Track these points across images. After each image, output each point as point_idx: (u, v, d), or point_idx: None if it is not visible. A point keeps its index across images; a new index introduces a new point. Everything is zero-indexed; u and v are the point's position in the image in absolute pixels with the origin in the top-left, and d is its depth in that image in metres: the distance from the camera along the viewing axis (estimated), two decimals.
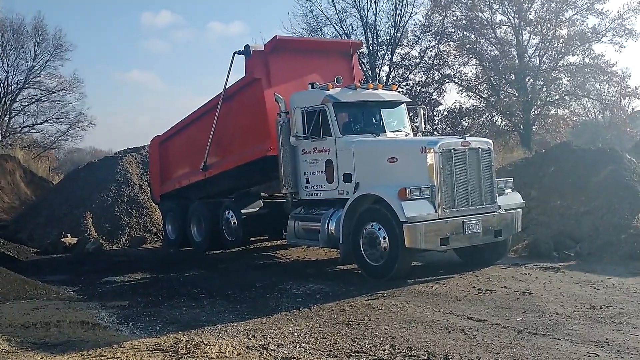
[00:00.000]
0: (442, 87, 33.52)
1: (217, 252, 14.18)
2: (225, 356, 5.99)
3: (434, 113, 32.34)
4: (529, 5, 30.82)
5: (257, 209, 13.51)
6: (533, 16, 30.82)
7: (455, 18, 31.96)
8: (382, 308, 7.71)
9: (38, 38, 39.06)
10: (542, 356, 5.69)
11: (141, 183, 19.33)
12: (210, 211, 14.16)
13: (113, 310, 8.48)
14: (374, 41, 31.97)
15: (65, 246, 16.12)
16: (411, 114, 12.22)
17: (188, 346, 6.27)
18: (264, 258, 13.36)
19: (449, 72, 32.96)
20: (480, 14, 31.50)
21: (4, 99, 38.34)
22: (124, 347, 6.31)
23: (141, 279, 11.42)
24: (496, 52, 31.75)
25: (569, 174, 13.79)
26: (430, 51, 32.40)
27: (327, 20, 31.77)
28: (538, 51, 31.17)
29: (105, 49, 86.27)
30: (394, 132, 11.05)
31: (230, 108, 12.97)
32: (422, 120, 12.15)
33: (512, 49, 31.69)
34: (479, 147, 9.86)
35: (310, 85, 11.63)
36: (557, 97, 31.54)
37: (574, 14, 30.69)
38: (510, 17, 31.25)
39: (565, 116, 32.50)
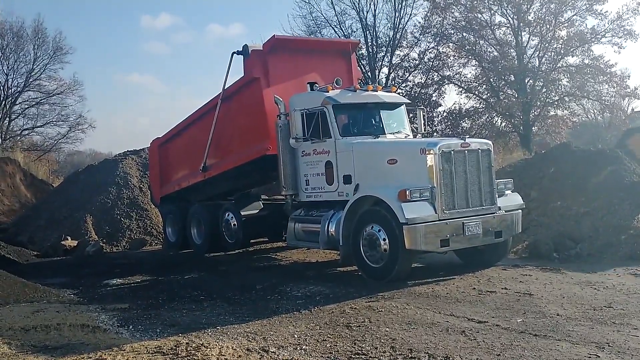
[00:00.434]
0: (442, 88, 33.54)
1: (217, 254, 14.18)
2: (226, 358, 5.98)
3: (434, 114, 32.38)
4: (528, 6, 30.84)
5: (257, 210, 13.52)
6: (532, 17, 30.84)
7: (454, 19, 31.98)
8: (383, 310, 7.70)
9: (38, 41, 39.11)
10: (542, 357, 5.68)
11: (141, 185, 19.34)
12: (210, 213, 14.17)
13: (113, 313, 8.47)
14: (374, 43, 31.98)
15: (66, 249, 16.12)
16: (411, 115, 12.24)
17: (188, 349, 6.26)
18: (264, 260, 13.36)
19: (448, 73, 32.99)
20: (479, 15, 31.52)
21: (4, 102, 38.35)
22: (124, 350, 6.30)
23: (141, 282, 11.41)
24: (495, 53, 31.77)
25: (569, 175, 13.80)
26: (430, 52, 32.43)
27: (326, 22, 31.79)
28: (537, 52, 31.18)
29: (104, 51, 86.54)
30: (393, 133, 11.06)
31: (229, 108, 12.98)
32: (422, 122, 12.15)
33: (512, 50, 31.70)
34: (479, 149, 9.86)
35: (309, 84, 11.64)
36: (557, 98, 31.55)
37: (573, 15, 30.72)
38: (509, 18, 31.28)
39: (565, 117, 32.51)
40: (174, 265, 13.22)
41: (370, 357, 5.93)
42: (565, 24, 30.81)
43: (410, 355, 5.88)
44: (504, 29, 31.98)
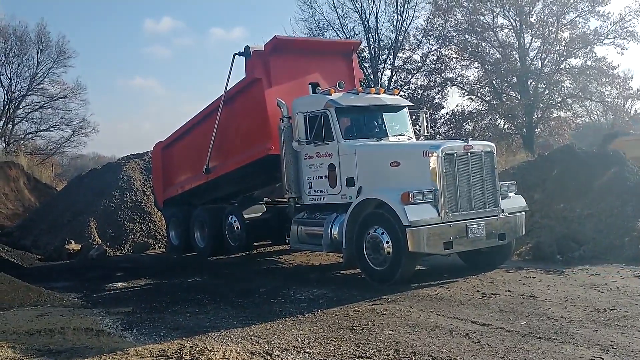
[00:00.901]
0: (444, 90, 33.61)
1: (221, 257, 14.19)
2: None
3: (437, 117, 32.41)
4: (531, 8, 30.88)
5: (260, 213, 13.52)
6: (534, 19, 30.89)
7: (456, 22, 32.05)
8: (386, 313, 7.70)
9: (41, 45, 39.30)
10: None
11: (144, 189, 19.38)
12: (213, 216, 14.16)
13: (117, 316, 8.48)
14: (376, 45, 32.06)
15: (69, 253, 16.16)
16: (413, 117, 12.23)
17: (192, 352, 6.27)
18: (267, 263, 13.36)
19: (450, 75, 33.06)
20: (481, 18, 31.58)
21: (7, 106, 38.52)
22: (128, 354, 6.31)
23: (145, 285, 11.42)
24: (498, 55, 31.80)
25: (572, 177, 13.78)
26: (432, 55, 32.54)
27: (328, 25, 31.91)
28: (540, 54, 31.22)
29: (107, 55, 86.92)
30: (396, 136, 11.05)
31: (232, 110, 12.99)
32: (425, 124, 12.13)
33: (514, 52, 31.73)
34: (482, 151, 9.85)
35: (310, 85, 11.65)
36: (560, 99, 31.55)
37: (575, 17, 30.75)
38: (511, 20, 31.34)
39: (568, 119, 32.51)
40: (178, 268, 13.24)
41: None
42: (568, 26, 30.85)
43: (414, 358, 5.88)
44: (506, 31, 32.07)
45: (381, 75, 32.22)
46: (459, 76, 33.15)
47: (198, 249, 14.83)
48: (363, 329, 7.00)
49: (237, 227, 13.55)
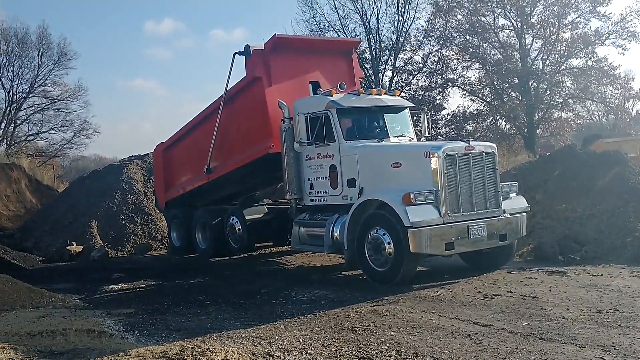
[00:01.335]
0: (446, 91, 33.65)
1: (222, 258, 14.20)
2: None
3: (438, 117, 32.43)
4: (532, 9, 30.87)
5: (262, 215, 13.53)
6: (535, 20, 30.90)
7: (457, 22, 32.09)
8: (388, 314, 7.69)
9: (42, 47, 39.41)
10: None
11: (146, 190, 19.38)
12: (215, 218, 14.17)
13: (119, 318, 8.49)
14: (377, 46, 32.11)
15: (71, 254, 16.17)
16: (415, 118, 12.22)
17: (194, 353, 6.27)
18: (268, 264, 13.36)
19: (452, 76, 33.10)
20: (482, 18, 31.59)
21: (9, 108, 38.62)
22: (130, 355, 6.32)
23: (146, 287, 11.43)
24: (499, 55, 31.81)
25: (573, 178, 13.77)
26: (433, 56, 32.59)
27: (329, 26, 31.99)
28: (541, 54, 31.24)
29: (109, 57, 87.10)
30: (397, 137, 11.04)
31: (232, 109, 12.98)
32: (426, 125, 12.13)
33: (515, 53, 31.73)
34: (483, 152, 9.84)
35: (310, 84, 11.65)
36: (561, 100, 31.55)
37: (576, 17, 30.76)
38: (512, 21, 31.36)
39: (569, 119, 32.49)
40: (179, 269, 13.24)
41: None
42: (569, 26, 30.86)
43: (415, 359, 5.88)
44: (507, 31, 32.09)
45: (382, 76, 32.28)
46: (460, 77, 33.22)
47: (199, 250, 14.83)
48: (365, 330, 7.00)
49: (239, 228, 13.56)
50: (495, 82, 32.22)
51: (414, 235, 8.89)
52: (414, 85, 32.97)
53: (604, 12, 29.73)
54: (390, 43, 32.18)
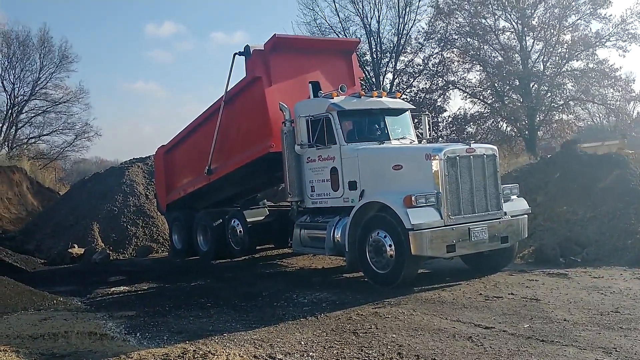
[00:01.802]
0: (447, 93, 33.61)
1: (224, 261, 14.20)
2: None
3: (439, 120, 32.42)
4: (532, 11, 30.87)
5: (263, 217, 13.53)
6: (536, 22, 30.87)
7: (458, 25, 32.05)
8: (389, 316, 7.70)
9: (44, 50, 39.40)
10: None
11: (147, 193, 19.40)
12: (216, 220, 14.17)
13: (120, 320, 8.50)
14: (378, 49, 32.10)
15: (73, 257, 16.19)
16: (416, 121, 12.24)
17: (195, 356, 6.28)
18: (270, 267, 13.37)
19: (453, 78, 33.06)
20: (483, 21, 31.57)
21: (10, 111, 38.61)
22: (132, 358, 6.33)
23: (148, 289, 11.44)
24: (500, 58, 31.78)
25: (574, 180, 13.78)
26: (434, 58, 32.54)
27: (330, 29, 31.94)
28: (542, 57, 31.19)
29: (110, 59, 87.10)
30: (398, 139, 11.06)
31: (232, 110, 12.99)
32: (427, 127, 12.15)
33: (516, 55, 31.70)
34: (484, 154, 9.85)
35: (310, 84, 11.66)
36: (562, 102, 31.51)
37: (577, 19, 30.71)
38: (513, 23, 31.31)
39: (570, 121, 32.46)
40: (181, 272, 13.25)
41: None
42: (570, 28, 30.82)
43: None
44: (508, 33, 32.03)
45: (383, 78, 32.27)
46: (461, 79, 33.17)
47: (201, 253, 14.84)
48: (366, 333, 7.00)
49: (240, 231, 13.57)
50: (496, 84, 32.20)
51: (415, 238, 8.90)
52: (414, 87, 32.98)
53: (605, 14, 29.75)
54: (391, 45, 32.20)
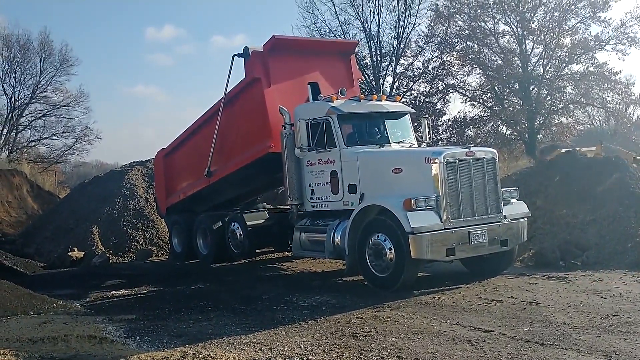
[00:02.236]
0: (446, 97, 33.59)
1: (223, 264, 14.20)
2: None
3: (439, 123, 32.39)
4: (532, 14, 30.87)
5: (263, 220, 13.54)
6: (536, 25, 30.86)
7: (458, 28, 32.04)
8: (389, 319, 7.70)
9: (44, 53, 39.40)
10: None
11: (147, 196, 19.41)
12: (216, 223, 14.16)
13: (120, 324, 8.49)
14: (378, 52, 32.09)
15: (72, 260, 16.18)
16: (415, 124, 12.25)
17: (195, 359, 6.28)
18: (269, 270, 13.36)
19: (452, 82, 33.02)
20: (483, 24, 31.57)
21: (10, 114, 38.63)
22: None
23: (148, 292, 11.43)
24: (500, 61, 31.77)
25: (574, 183, 13.78)
26: (434, 61, 32.50)
27: (330, 32, 31.90)
28: (542, 60, 31.17)
29: (110, 63, 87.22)
30: (398, 142, 11.08)
31: (232, 111, 12.99)
32: (427, 131, 12.16)
33: (516, 58, 31.69)
34: (484, 157, 9.87)
35: (309, 85, 11.67)
36: (562, 105, 31.50)
37: (576, 23, 30.70)
38: (513, 26, 31.30)
39: (570, 125, 32.45)
40: (180, 275, 13.24)
41: None
42: (569, 32, 30.82)
43: None
44: (507, 37, 32.02)
45: (383, 81, 32.25)
46: (460, 82, 33.13)
47: (201, 256, 14.84)
48: (366, 336, 7.00)
49: (240, 234, 13.58)
50: (496, 88, 32.19)
51: (414, 241, 8.90)
52: (414, 90, 32.96)
53: (604, 18, 29.75)
54: (391, 49, 32.19)
